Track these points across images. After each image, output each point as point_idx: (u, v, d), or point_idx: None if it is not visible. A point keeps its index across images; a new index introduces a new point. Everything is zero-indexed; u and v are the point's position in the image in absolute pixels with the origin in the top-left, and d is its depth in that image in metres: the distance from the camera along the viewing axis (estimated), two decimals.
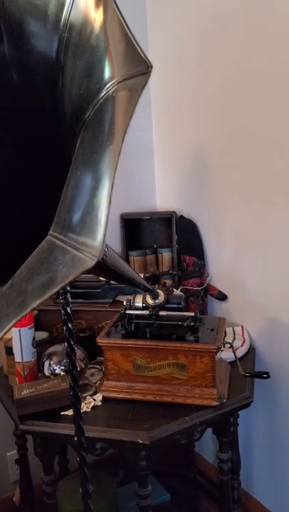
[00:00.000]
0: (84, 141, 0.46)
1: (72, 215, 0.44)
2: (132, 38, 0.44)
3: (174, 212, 1.72)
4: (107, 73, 0.45)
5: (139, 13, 1.73)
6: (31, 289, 0.42)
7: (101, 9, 0.46)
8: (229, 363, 1.31)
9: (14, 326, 1.26)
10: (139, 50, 0.43)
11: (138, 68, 0.43)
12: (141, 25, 1.74)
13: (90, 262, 0.39)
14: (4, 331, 0.41)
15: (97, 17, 0.47)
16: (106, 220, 0.40)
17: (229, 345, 1.22)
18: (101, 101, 0.44)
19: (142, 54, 0.43)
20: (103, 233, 0.40)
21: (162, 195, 1.86)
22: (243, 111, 1.39)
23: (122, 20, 0.45)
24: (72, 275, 0.40)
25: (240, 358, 1.32)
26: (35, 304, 0.40)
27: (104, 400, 1.18)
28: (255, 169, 1.38)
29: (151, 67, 0.42)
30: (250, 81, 1.35)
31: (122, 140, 0.41)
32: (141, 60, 0.43)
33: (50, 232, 0.46)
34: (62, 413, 1.13)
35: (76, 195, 0.44)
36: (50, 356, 1.24)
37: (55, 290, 0.40)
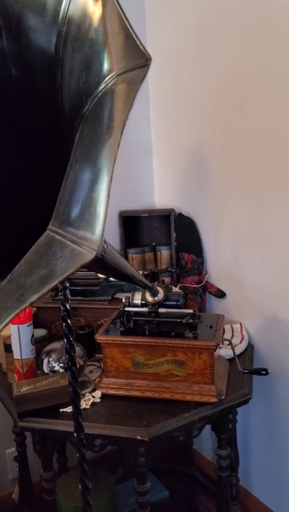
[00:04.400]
0: (83, 135, 0.45)
1: (71, 209, 0.44)
2: (131, 31, 0.43)
3: (173, 209, 1.72)
4: (105, 66, 0.45)
5: (138, 9, 1.72)
6: (30, 283, 0.42)
7: (100, 2, 0.46)
8: (228, 360, 1.31)
9: (13, 323, 1.26)
10: (138, 42, 0.43)
11: (137, 61, 0.43)
12: (139, 21, 1.73)
13: (89, 256, 0.39)
14: (3, 324, 0.41)
15: (95, 10, 0.47)
16: (105, 214, 0.40)
17: (228, 342, 1.23)
18: (100, 94, 0.44)
19: (141, 47, 0.43)
20: (102, 227, 0.40)
21: (161, 193, 1.86)
22: (241, 108, 1.39)
23: (121, 13, 0.44)
24: (71, 269, 0.40)
25: (239, 355, 1.33)
26: (34, 297, 0.40)
27: (103, 396, 1.18)
28: (254, 167, 1.38)
29: (151, 59, 0.42)
30: (249, 78, 1.34)
31: (121, 133, 0.40)
32: (140, 53, 0.43)
33: (49, 226, 0.46)
34: (61, 410, 1.13)
35: (75, 189, 0.44)
36: (49, 353, 1.24)
37: (53, 284, 0.40)
